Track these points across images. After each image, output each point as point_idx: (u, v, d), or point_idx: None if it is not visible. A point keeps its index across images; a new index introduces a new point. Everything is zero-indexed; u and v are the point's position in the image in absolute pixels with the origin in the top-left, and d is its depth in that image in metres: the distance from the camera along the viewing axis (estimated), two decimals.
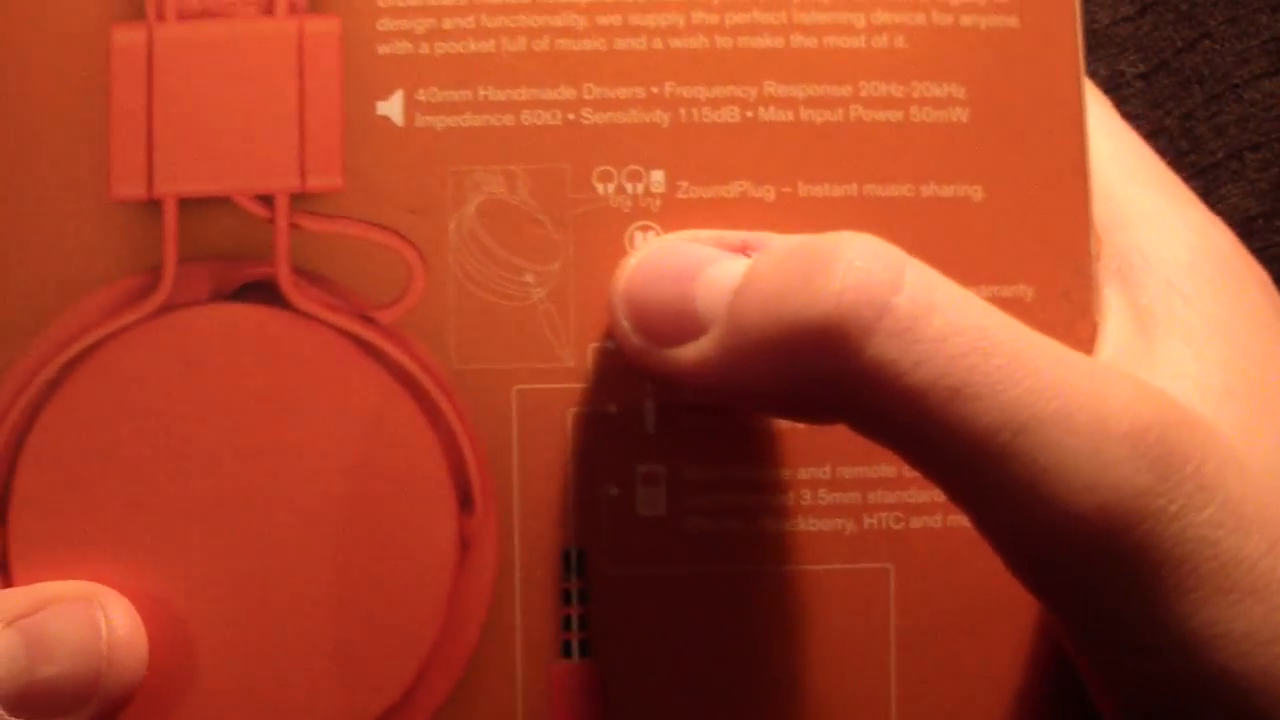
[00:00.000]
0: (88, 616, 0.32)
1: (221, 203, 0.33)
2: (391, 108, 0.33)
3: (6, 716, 0.31)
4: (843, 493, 0.34)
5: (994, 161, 0.34)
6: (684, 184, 0.33)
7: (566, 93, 0.33)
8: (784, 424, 0.33)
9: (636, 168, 0.33)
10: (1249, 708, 0.30)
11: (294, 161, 0.33)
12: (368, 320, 0.33)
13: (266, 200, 0.33)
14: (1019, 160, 0.34)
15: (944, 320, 0.30)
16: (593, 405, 0.33)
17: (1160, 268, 0.34)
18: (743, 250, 0.32)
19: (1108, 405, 0.30)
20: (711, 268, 0.32)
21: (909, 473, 0.32)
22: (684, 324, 0.31)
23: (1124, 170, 0.35)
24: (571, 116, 0.33)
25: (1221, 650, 0.30)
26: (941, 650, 0.34)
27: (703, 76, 0.33)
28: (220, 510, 0.33)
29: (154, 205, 0.33)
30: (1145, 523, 0.30)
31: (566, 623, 0.33)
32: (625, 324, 0.32)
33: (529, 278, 0.33)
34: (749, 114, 0.33)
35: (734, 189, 0.33)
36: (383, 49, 0.33)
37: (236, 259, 0.33)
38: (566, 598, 0.33)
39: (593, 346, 0.33)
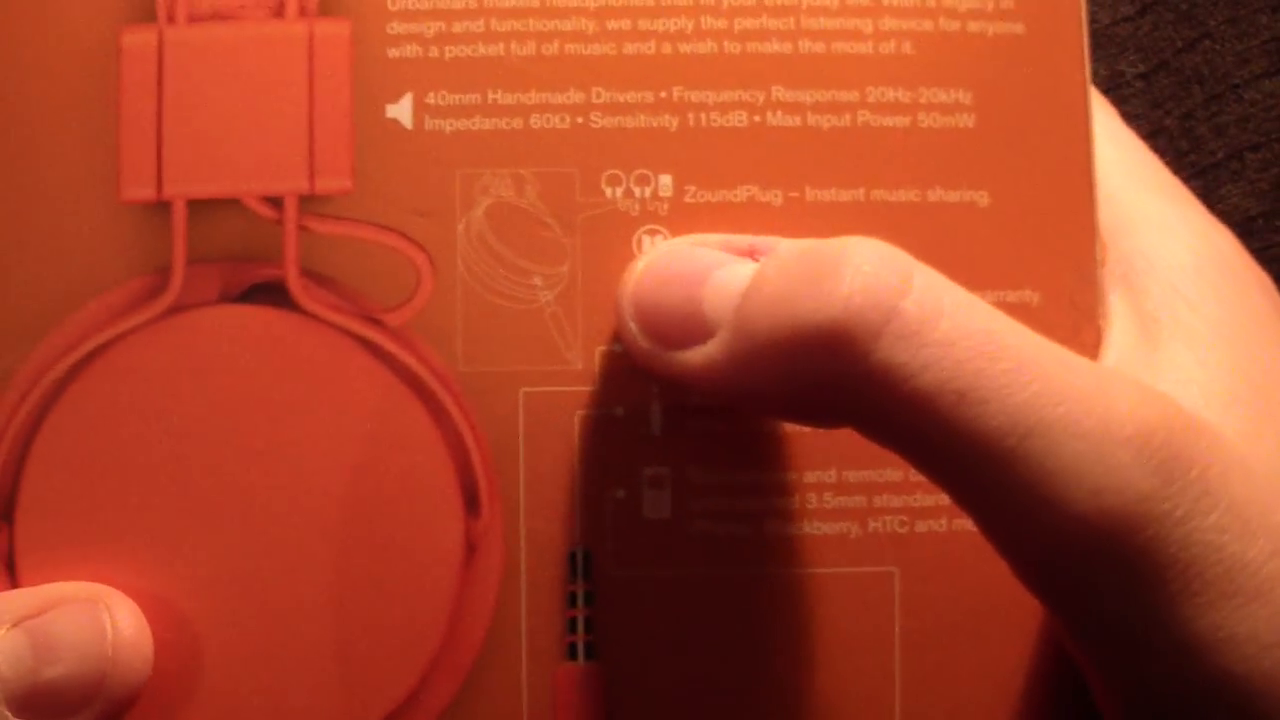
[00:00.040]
0: (93, 618, 0.32)
1: (230, 204, 0.33)
2: (401, 111, 0.33)
3: (11, 717, 0.31)
4: (848, 496, 0.34)
5: (1000, 167, 0.34)
6: (692, 188, 0.33)
7: (575, 97, 0.33)
8: (790, 427, 0.34)
9: (644, 172, 0.33)
10: (1253, 711, 0.30)
11: (303, 164, 0.33)
12: (375, 322, 0.33)
13: (275, 202, 0.33)
14: (1025, 166, 0.34)
15: (951, 324, 0.30)
16: (599, 408, 0.33)
17: (1164, 273, 0.34)
18: (750, 254, 0.32)
19: (1113, 410, 0.30)
20: (719, 271, 0.32)
21: (914, 476, 0.32)
22: (691, 327, 0.31)
23: (1128, 175, 0.35)
24: (580, 120, 0.33)
25: (1226, 654, 0.30)
26: (946, 654, 0.34)
27: (711, 81, 0.33)
28: (226, 512, 0.33)
29: (163, 207, 0.33)
30: (1150, 527, 0.30)
31: (572, 625, 0.33)
32: (632, 327, 0.32)
33: (537, 281, 0.33)
34: (757, 119, 0.34)
35: (741, 193, 0.34)
36: (392, 52, 0.33)
37: (245, 261, 0.33)
38: (572, 600, 0.33)
39: (600, 349, 0.33)
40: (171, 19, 0.33)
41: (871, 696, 0.33)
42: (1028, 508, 0.30)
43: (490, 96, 0.33)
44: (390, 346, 0.33)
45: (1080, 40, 0.34)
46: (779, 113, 0.34)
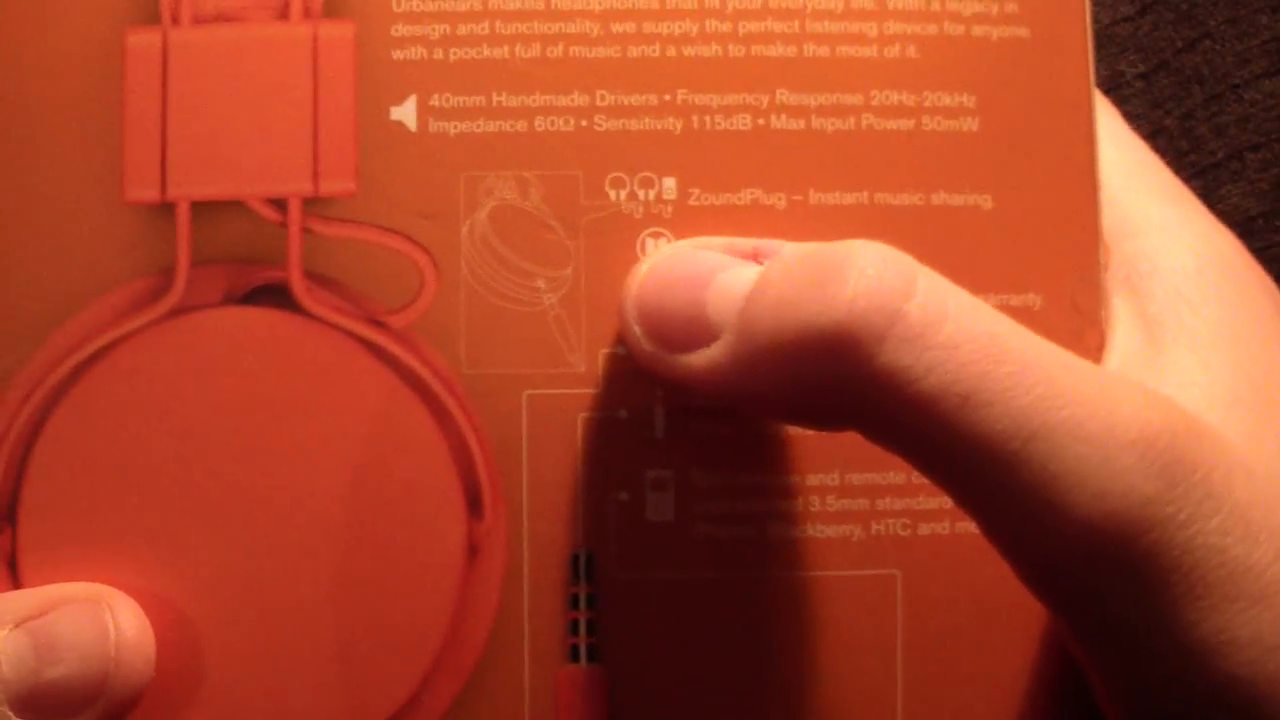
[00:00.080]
0: (95, 618, 0.32)
1: (234, 206, 0.33)
2: (405, 113, 0.33)
3: (14, 717, 0.31)
4: (851, 499, 0.34)
5: (1004, 171, 0.34)
6: (696, 191, 0.34)
7: (580, 99, 0.33)
8: (793, 430, 0.34)
9: (649, 174, 0.33)
10: (1257, 714, 0.30)
11: (307, 166, 0.33)
12: (379, 324, 0.33)
13: (279, 204, 0.33)
14: (1029, 169, 0.34)
15: (955, 327, 0.30)
16: (603, 410, 0.33)
17: (1167, 276, 0.34)
18: (754, 257, 0.32)
19: (1116, 413, 0.30)
20: (723, 274, 0.32)
21: (917, 479, 0.32)
22: (695, 330, 0.32)
23: (1131, 179, 0.35)
24: (584, 123, 0.33)
25: (1229, 657, 0.30)
26: (948, 656, 0.34)
27: (715, 84, 0.33)
28: (229, 513, 0.33)
29: (167, 208, 0.33)
30: (1153, 530, 0.30)
31: (574, 627, 0.33)
32: (636, 330, 0.32)
33: (540, 283, 0.33)
34: (761, 122, 0.34)
35: (745, 196, 0.34)
36: (397, 54, 0.33)
37: (249, 262, 0.33)
38: (574, 602, 0.33)
39: (603, 352, 0.33)
40: (176, 20, 0.33)
41: (874, 699, 0.34)
42: (1031, 511, 0.30)
43: (495, 99, 0.33)
44: (394, 349, 0.33)
45: (1084, 44, 0.34)
46: (783, 116, 0.34)
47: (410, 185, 0.33)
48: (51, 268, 0.33)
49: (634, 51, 0.33)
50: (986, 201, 0.34)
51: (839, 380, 0.30)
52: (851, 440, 0.31)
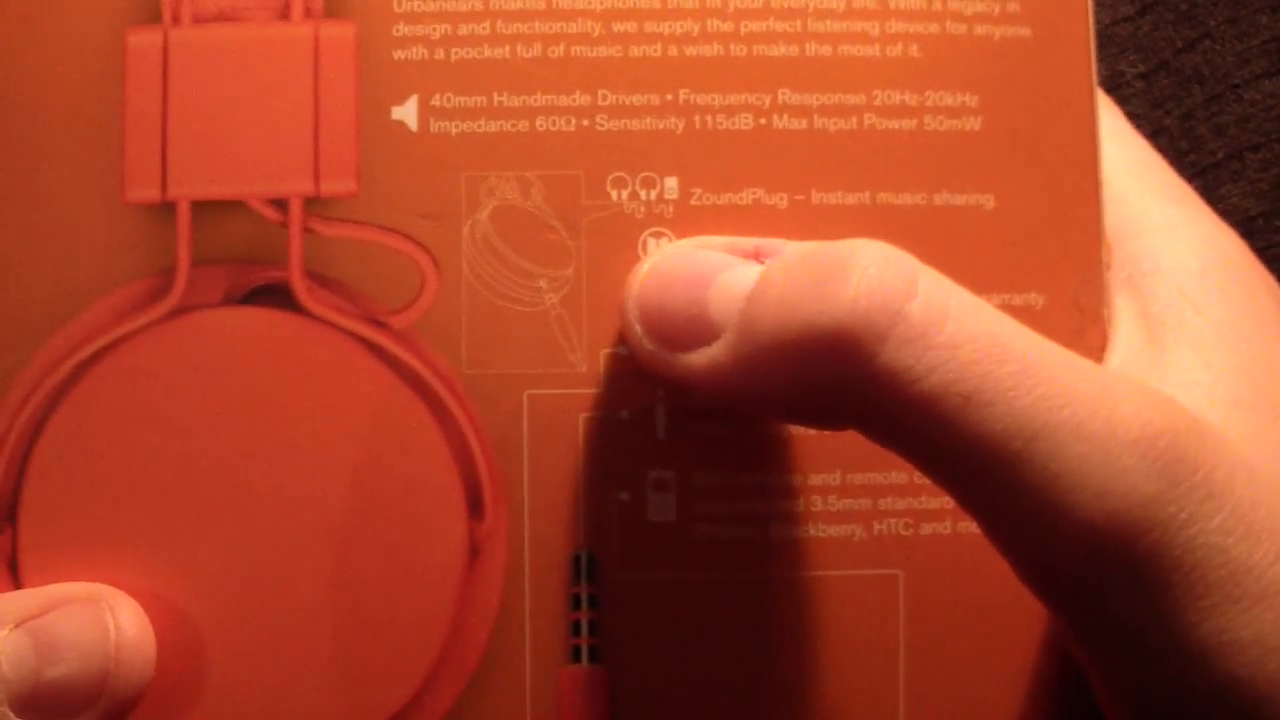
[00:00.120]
0: (96, 618, 0.32)
1: (235, 206, 0.33)
2: (406, 113, 0.33)
3: (14, 717, 0.31)
4: (853, 499, 0.34)
5: (1006, 170, 0.34)
6: (698, 191, 0.34)
7: (581, 99, 0.33)
8: (795, 430, 0.34)
9: (650, 174, 0.33)
10: (1258, 715, 0.30)
11: (308, 166, 0.33)
12: (380, 325, 0.33)
13: (280, 204, 0.33)
14: (1031, 169, 0.34)
15: (957, 327, 0.30)
16: (604, 411, 0.33)
17: (1170, 276, 0.34)
18: (755, 256, 0.32)
19: (1118, 413, 0.30)
20: (725, 273, 0.32)
21: (919, 479, 0.32)
22: (697, 329, 0.32)
23: (1134, 178, 0.35)
24: (586, 123, 0.33)
25: (1231, 658, 0.30)
26: (950, 656, 0.34)
27: (717, 84, 0.33)
28: (230, 513, 0.33)
29: (168, 208, 0.33)
30: (1155, 530, 0.30)
31: (576, 628, 0.33)
32: (638, 329, 0.32)
33: (542, 283, 0.33)
34: (763, 121, 0.34)
35: (747, 196, 0.34)
36: (398, 54, 0.33)
37: (250, 262, 0.33)
38: (576, 603, 0.33)
39: (605, 352, 0.33)
40: (176, 20, 0.33)
41: (876, 699, 0.33)
42: (1032, 511, 0.30)
43: (496, 99, 0.33)
44: (394, 349, 0.33)
45: (1087, 43, 0.34)
46: (785, 115, 0.34)
47: (411, 185, 0.33)
48: (52, 268, 0.33)
49: (635, 51, 0.33)
50: (989, 201, 0.34)
51: (840, 380, 0.30)
52: (853, 440, 0.31)
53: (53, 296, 0.33)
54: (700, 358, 0.31)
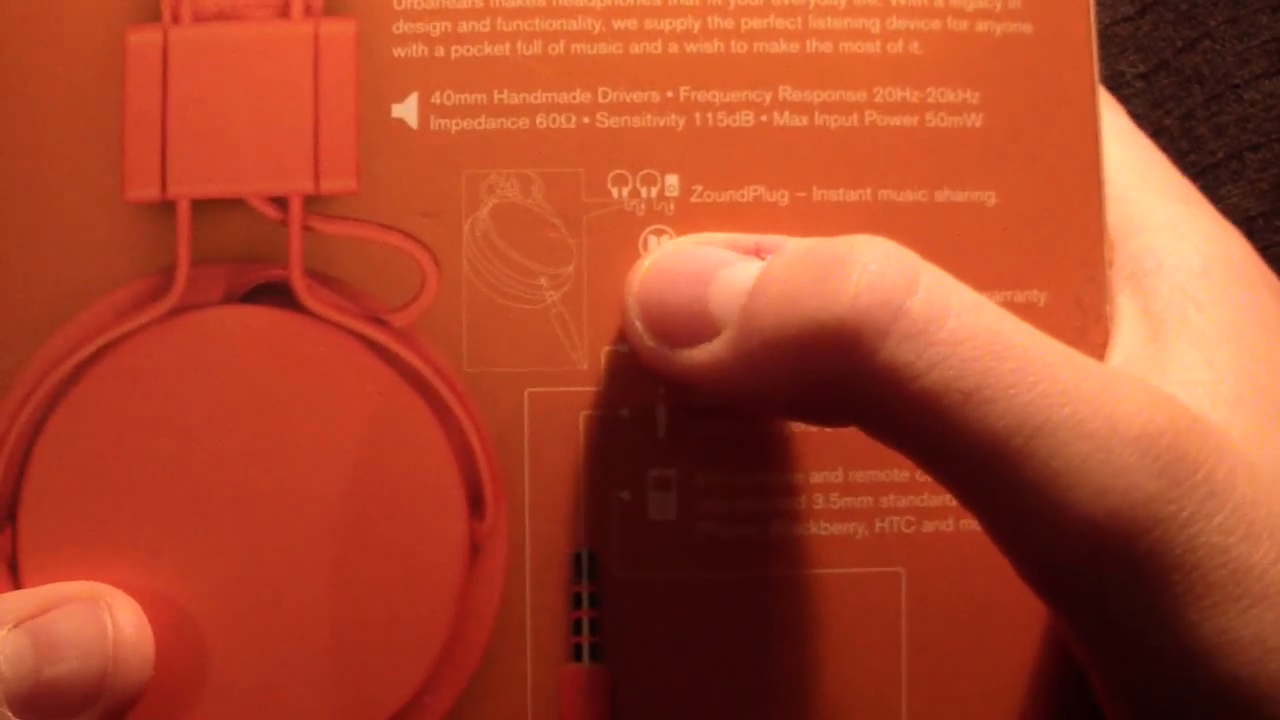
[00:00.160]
0: (94, 617, 0.32)
1: (235, 205, 0.33)
2: (406, 110, 0.33)
3: (13, 717, 0.31)
4: (855, 497, 0.34)
5: (1008, 167, 0.34)
6: (698, 188, 0.33)
7: (582, 96, 0.33)
8: (796, 428, 0.33)
9: (651, 172, 0.33)
10: (1258, 715, 0.30)
11: (308, 164, 0.33)
12: (380, 323, 0.33)
13: (280, 202, 0.33)
14: (1033, 166, 0.34)
15: (958, 324, 0.30)
16: (605, 409, 0.33)
17: (1173, 274, 0.34)
18: (756, 253, 0.32)
19: (1119, 410, 0.30)
20: (725, 270, 0.32)
21: (921, 477, 0.32)
22: (697, 326, 0.31)
23: (1137, 176, 0.35)
24: (586, 120, 0.33)
25: (1232, 657, 0.30)
26: (952, 654, 0.34)
27: (718, 81, 0.33)
28: (230, 512, 0.33)
29: (168, 207, 0.33)
30: (1156, 529, 0.30)
31: (577, 627, 0.33)
32: (639, 326, 0.32)
33: (542, 281, 0.33)
34: (764, 119, 0.34)
35: (748, 193, 0.34)
36: (398, 52, 0.33)
37: (250, 261, 0.33)
38: (577, 601, 0.33)
39: (605, 350, 0.33)
40: (176, 19, 0.33)
41: (878, 697, 0.33)
42: (1033, 508, 0.30)
43: (496, 96, 0.33)
44: (395, 347, 0.33)
45: (1089, 40, 0.34)
46: (786, 113, 0.34)
47: (412, 183, 0.33)
48: (52, 267, 0.33)
49: (636, 48, 0.33)
50: (990, 198, 0.34)
51: (841, 376, 0.30)
52: (855, 437, 0.31)
53: (53, 296, 0.33)
54: (701, 354, 0.31)
